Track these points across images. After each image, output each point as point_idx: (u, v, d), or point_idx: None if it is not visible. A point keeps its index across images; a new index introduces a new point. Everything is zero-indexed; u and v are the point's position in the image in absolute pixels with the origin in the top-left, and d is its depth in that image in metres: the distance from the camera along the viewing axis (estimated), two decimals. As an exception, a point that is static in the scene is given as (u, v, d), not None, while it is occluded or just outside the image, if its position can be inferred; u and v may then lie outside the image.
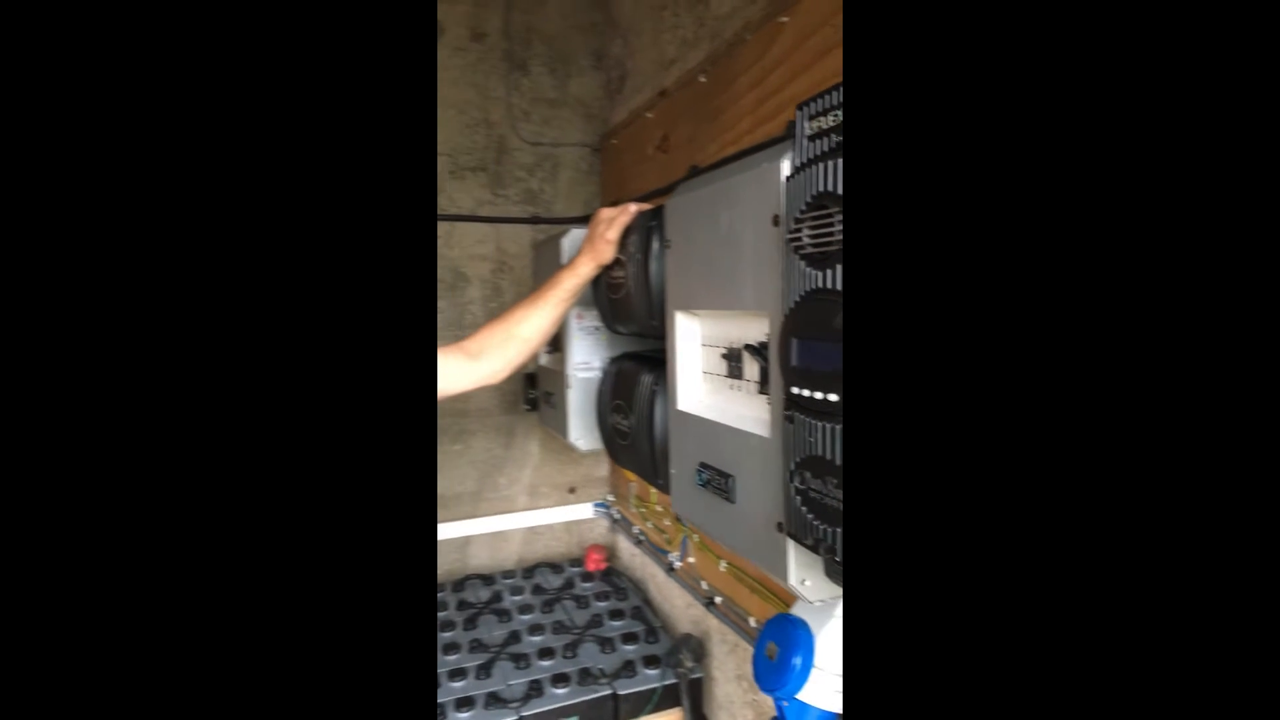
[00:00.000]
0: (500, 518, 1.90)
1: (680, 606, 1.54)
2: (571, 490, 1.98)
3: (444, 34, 1.76)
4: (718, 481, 0.73)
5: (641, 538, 1.69)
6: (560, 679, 1.33)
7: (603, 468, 1.98)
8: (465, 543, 1.88)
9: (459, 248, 1.78)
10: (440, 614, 1.61)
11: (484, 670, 1.36)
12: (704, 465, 0.76)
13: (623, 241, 0.99)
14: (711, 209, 0.73)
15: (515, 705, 1.26)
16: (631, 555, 1.82)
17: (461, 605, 1.65)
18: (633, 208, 0.99)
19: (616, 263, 1.01)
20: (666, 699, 1.34)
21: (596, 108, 1.88)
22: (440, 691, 1.30)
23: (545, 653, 1.42)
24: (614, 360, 1.13)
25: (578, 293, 1.04)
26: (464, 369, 1.00)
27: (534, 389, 1.56)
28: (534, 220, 1.82)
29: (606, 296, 1.06)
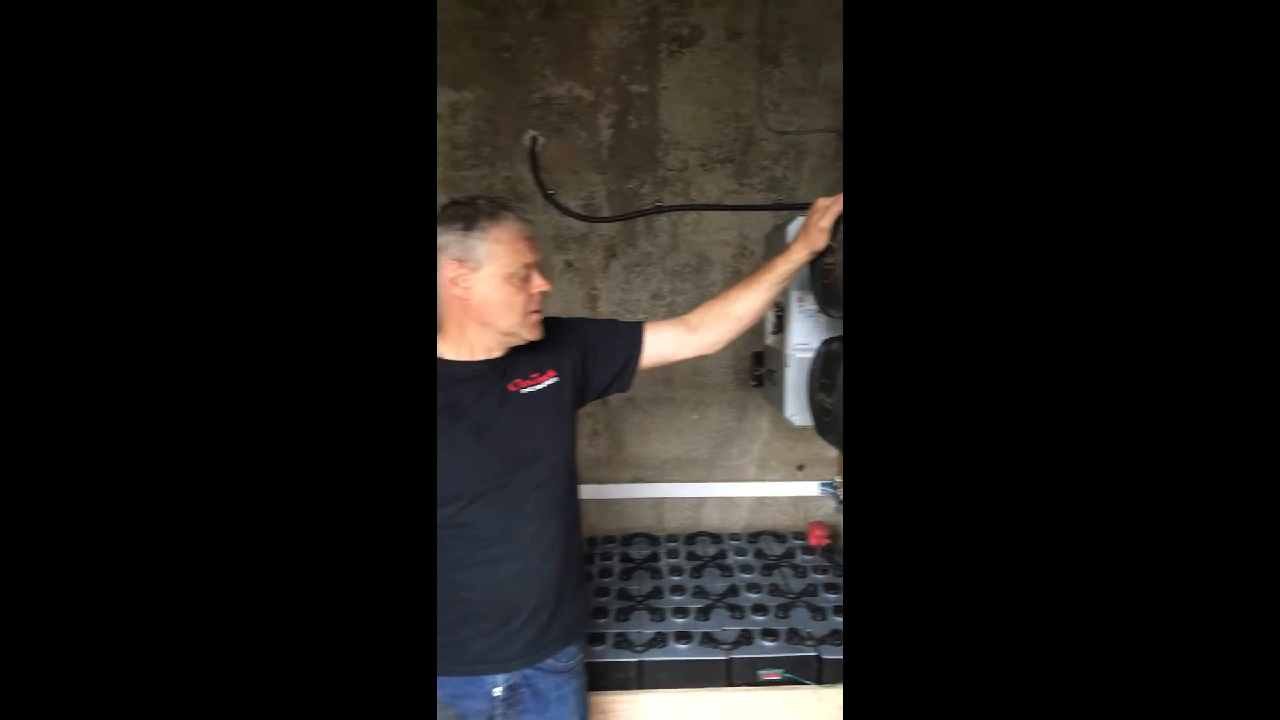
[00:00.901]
0: (731, 485, 2.05)
1: (898, 592, 1.54)
2: (800, 467, 2.05)
3: (703, 37, 1.92)
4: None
5: (864, 520, 1.70)
6: (770, 633, 1.44)
7: (832, 449, 2.01)
8: (699, 503, 2.07)
9: (704, 234, 1.95)
10: (672, 560, 1.82)
11: (703, 614, 1.53)
12: (885, 441, 0.81)
13: (834, 230, 1.05)
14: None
15: (726, 648, 1.41)
16: (855, 537, 1.84)
17: (690, 556, 1.85)
18: (847, 197, 1.04)
19: (828, 250, 1.07)
20: (870, 674, 1.38)
21: (844, 92, 1.89)
22: (663, 624, 1.50)
23: (759, 609, 1.54)
24: (824, 342, 1.19)
25: (790, 277, 1.13)
26: (684, 340, 1.17)
27: (760, 366, 1.66)
28: (774, 207, 1.91)
29: (820, 281, 1.13)
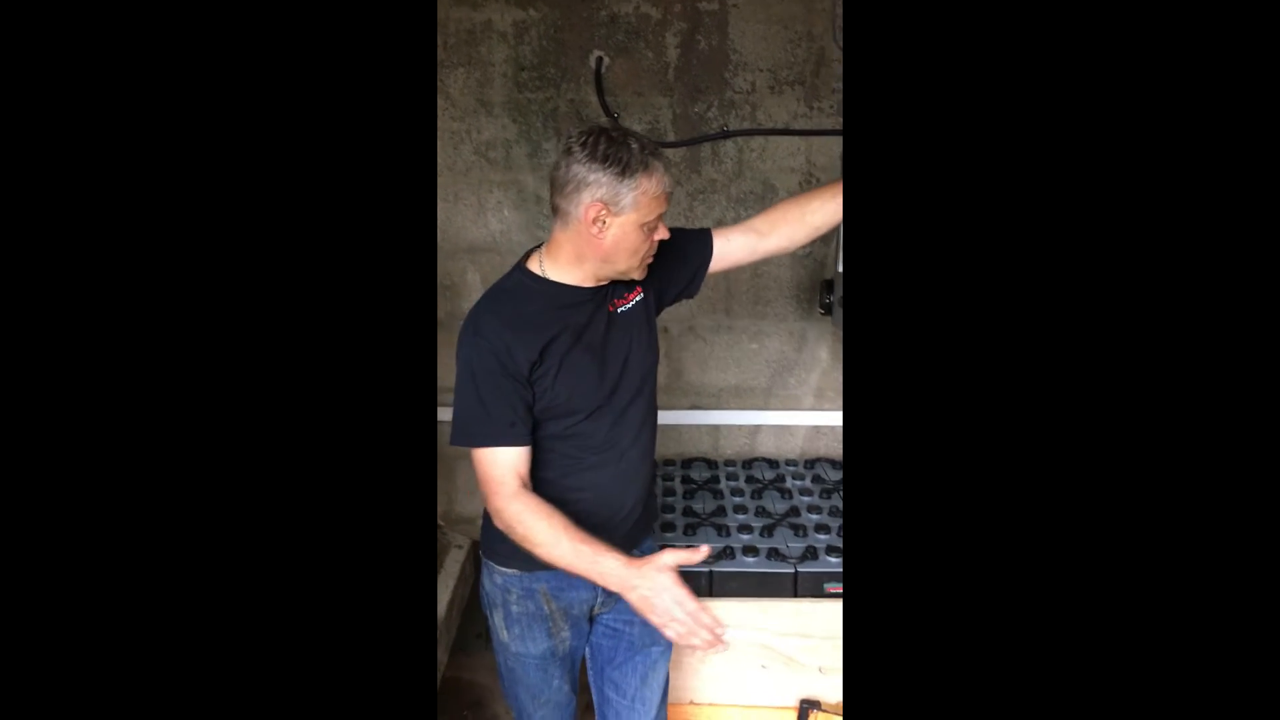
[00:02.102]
0: (788, 414, 2.09)
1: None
2: (857, 398, 2.07)
3: (774, -48, 1.84)
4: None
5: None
6: (834, 550, 1.49)
7: (891, 380, 2.02)
8: (755, 430, 2.11)
9: (771, 161, 1.92)
10: (731, 483, 1.88)
11: (767, 531, 1.59)
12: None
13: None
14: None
15: (792, 561, 1.47)
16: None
17: (749, 480, 1.90)
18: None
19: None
20: (934, 590, 1.43)
21: (923, 10, 1.81)
22: (730, 539, 1.56)
23: (822, 528, 1.60)
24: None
25: None
26: (754, 246, 1.20)
27: (829, 294, 1.66)
28: (843, 132, 1.86)
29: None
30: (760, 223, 1.19)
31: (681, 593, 0.88)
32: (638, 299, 1.12)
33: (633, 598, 0.92)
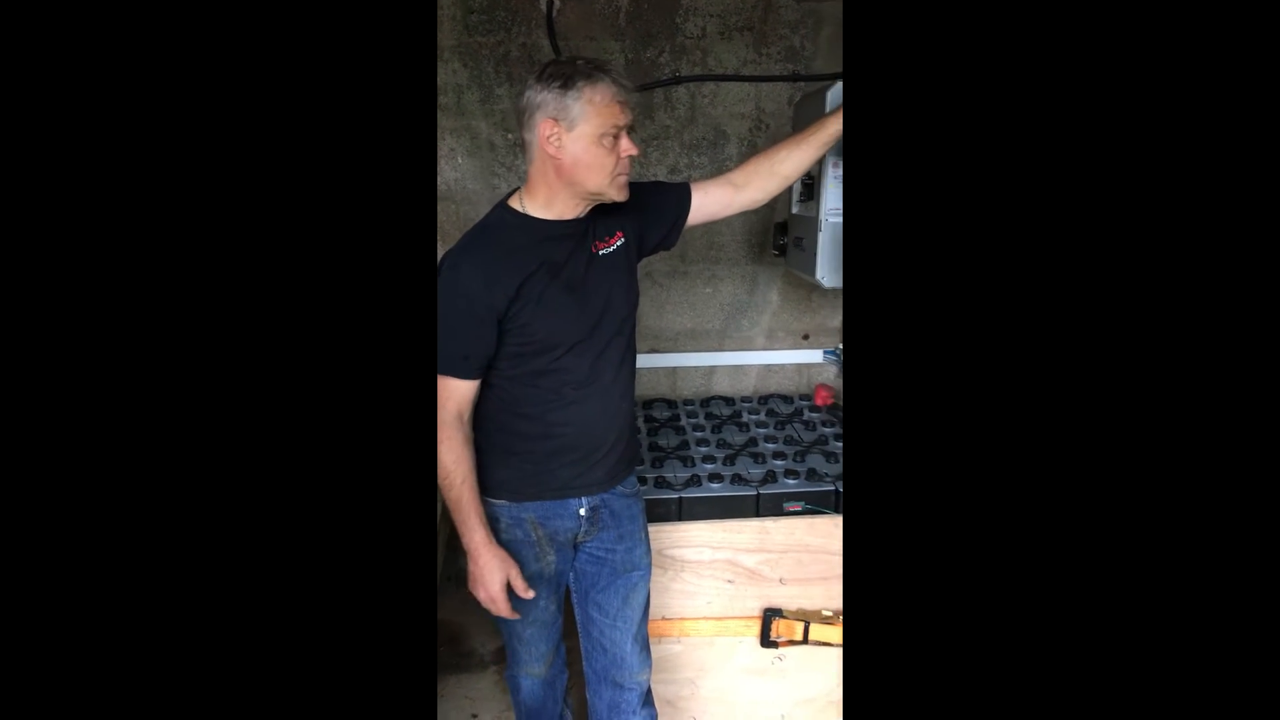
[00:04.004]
0: (742, 354, 2.19)
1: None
2: (805, 337, 2.19)
3: (720, -105, 1.85)
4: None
5: (869, 378, 1.86)
6: (791, 473, 1.62)
7: (835, 318, 2.15)
8: (710, 371, 2.21)
9: (721, 106, 1.96)
10: (692, 420, 1.98)
11: (729, 460, 1.70)
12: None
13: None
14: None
15: (755, 484, 1.59)
16: (857, 396, 2.01)
17: (708, 416, 2.00)
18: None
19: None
20: (881, 503, 1.58)
21: (864, -43, 1.87)
22: (695, 469, 1.67)
23: (779, 455, 1.72)
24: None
25: (838, 138, 1.20)
26: (730, 199, 1.26)
27: (784, 236, 1.75)
28: (792, 78, 1.93)
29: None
30: (736, 176, 1.25)
31: (503, 580, 1.11)
32: (619, 243, 1.17)
33: (471, 566, 1.11)
